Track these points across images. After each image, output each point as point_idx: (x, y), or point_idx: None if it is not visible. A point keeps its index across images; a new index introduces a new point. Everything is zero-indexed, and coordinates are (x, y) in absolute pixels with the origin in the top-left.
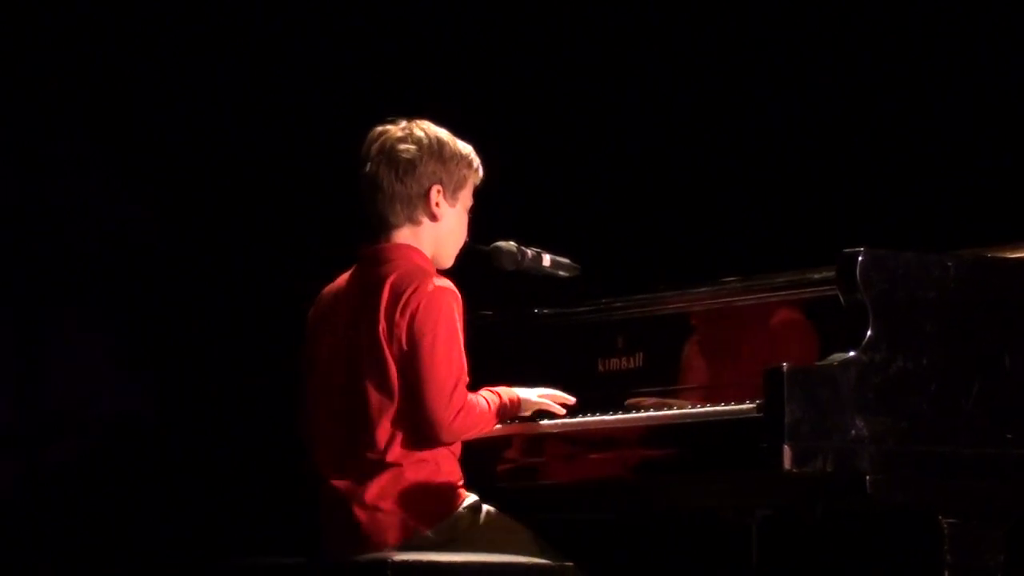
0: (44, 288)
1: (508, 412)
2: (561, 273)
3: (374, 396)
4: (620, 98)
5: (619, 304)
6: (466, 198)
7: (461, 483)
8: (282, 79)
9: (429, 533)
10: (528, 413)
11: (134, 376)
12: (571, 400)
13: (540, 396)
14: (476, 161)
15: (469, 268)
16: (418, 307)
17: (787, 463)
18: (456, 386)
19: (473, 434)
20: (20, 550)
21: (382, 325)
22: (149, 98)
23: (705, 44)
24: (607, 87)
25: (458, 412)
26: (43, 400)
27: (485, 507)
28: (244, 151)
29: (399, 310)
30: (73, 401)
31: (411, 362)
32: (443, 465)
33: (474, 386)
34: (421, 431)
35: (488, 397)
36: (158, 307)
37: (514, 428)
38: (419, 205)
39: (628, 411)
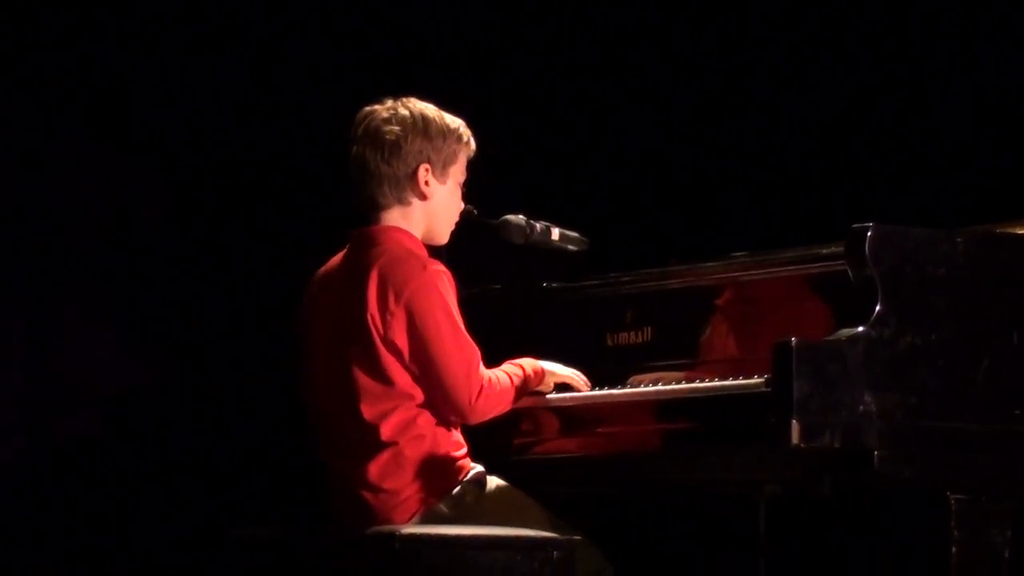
0: (52, 270)
1: (531, 383)
2: (570, 247)
3: (363, 378)
4: (629, 72)
5: (628, 278)
6: (458, 173)
7: (463, 454)
8: (286, 66)
9: (435, 507)
10: (550, 386)
11: (140, 354)
12: (587, 385)
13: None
14: (466, 134)
15: (478, 242)
16: (413, 296)
17: (795, 438)
18: (470, 368)
19: (501, 409)
20: (27, 520)
21: (371, 309)
22: (151, 82)
23: (717, 19)
24: (617, 61)
25: (479, 393)
26: (51, 376)
27: (491, 479)
28: (251, 136)
29: (392, 299)
30: (80, 378)
31: (421, 354)
32: (441, 439)
33: (485, 360)
34: (443, 417)
35: (510, 371)
36: (164, 287)
37: (523, 402)
38: (407, 186)
39: (636, 385)
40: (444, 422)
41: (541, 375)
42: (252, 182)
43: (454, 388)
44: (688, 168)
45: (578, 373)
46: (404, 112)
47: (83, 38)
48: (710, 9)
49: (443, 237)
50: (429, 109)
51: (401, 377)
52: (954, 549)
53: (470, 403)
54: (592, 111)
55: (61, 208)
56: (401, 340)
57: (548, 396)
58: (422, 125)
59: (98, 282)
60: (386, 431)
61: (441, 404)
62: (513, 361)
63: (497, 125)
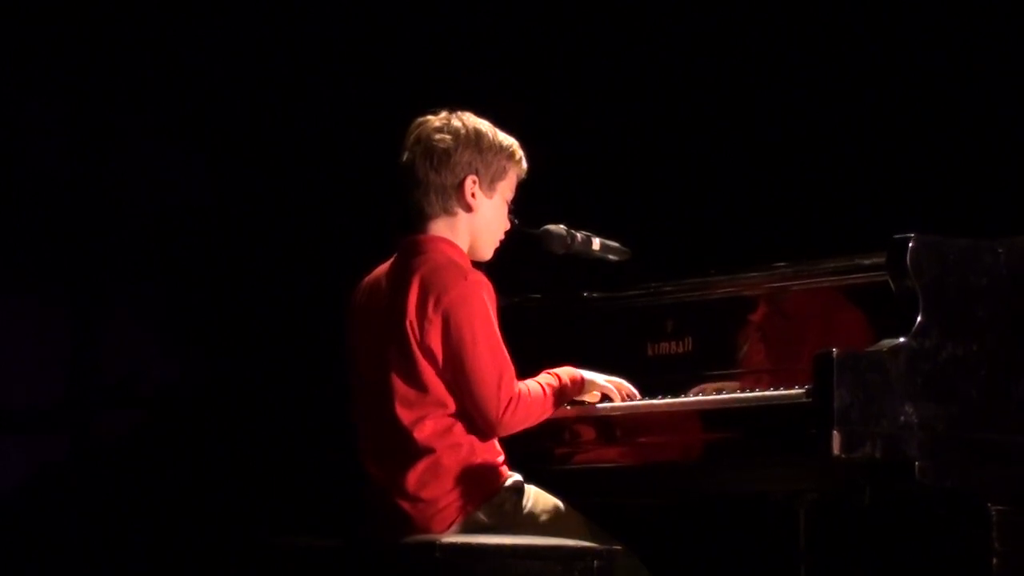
0: (96, 266)
1: (569, 393)
2: (611, 257)
3: (399, 382)
4: (666, 80)
5: (668, 288)
6: (506, 190)
7: (501, 462)
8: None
9: (473, 515)
10: (590, 395)
11: (181, 352)
12: (635, 394)
13: (608, 381)
14: (519, 153)
15: (519, 251)
16: (452, 304)
17: (836, 448)
18: (501, 380)
19: (531, 422)
20: (70, 518)
21: (410, 317)
22: (203, 76)
23: (756, 25)
24: (652, 70)
25: (507, 406)
26: (94, 375)
27: (529, 487)
28: (298, 138)
29: (431, 306)
30: (122, 376)
31: (454, 362)
32: (478, 447)
33: (525, 369)
34: (478, 427)
35: (545, 381)
36: (206, 285)
37: (562, 412)
38: (454, 196)
39: (677, 395)
40: (480, 430)
41: (580, 384)
42: (303, 174)
43: (483, 399)
44: (728, 178)
45: (622, 381)
46: (457, 123)
47: (137, 30)
48: (740, 19)
49: (486, 253)
50: (483, 124)
51: (435, 384)
52: (994, 561)
53: (498, 416)
54: (632, 120)
55: (110, 191)
56: (437, 347)
57: (588, 406)
58: (474, 137)
59: (141, 281)
60: (421, 437)
61: (471, 414)
62: (550, 371)
63: (538, 135)
